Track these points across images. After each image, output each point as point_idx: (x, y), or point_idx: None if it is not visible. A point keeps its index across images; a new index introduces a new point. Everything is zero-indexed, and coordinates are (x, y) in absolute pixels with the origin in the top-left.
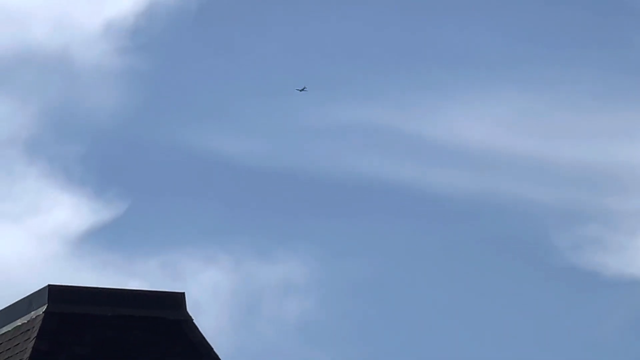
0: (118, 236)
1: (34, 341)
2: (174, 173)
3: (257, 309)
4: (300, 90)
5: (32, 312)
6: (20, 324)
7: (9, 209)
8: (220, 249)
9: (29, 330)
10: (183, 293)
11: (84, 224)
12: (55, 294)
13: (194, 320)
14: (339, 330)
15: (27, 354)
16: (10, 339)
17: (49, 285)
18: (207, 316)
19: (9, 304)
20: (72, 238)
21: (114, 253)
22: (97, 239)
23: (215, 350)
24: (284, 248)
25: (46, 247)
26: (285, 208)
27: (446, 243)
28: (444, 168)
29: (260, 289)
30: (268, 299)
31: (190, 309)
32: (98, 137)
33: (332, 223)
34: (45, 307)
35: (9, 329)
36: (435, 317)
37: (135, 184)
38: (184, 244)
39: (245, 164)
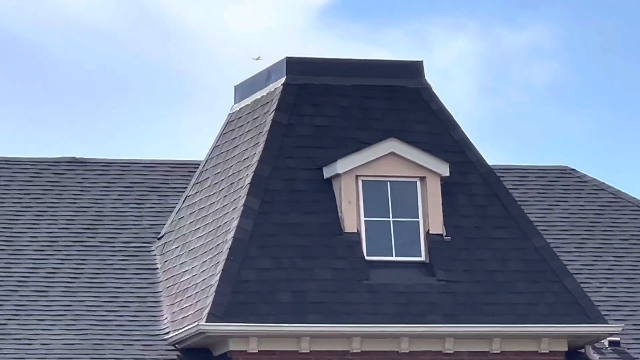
0: (361, 7)
1: (273, 113)
2: None
3: (504, 74)
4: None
5: (271, 85)
6: (259, 96)
7: None
8: (466, 16)
9: (268, 102)
10: (421, 61)
11: None
12: (293, 66)
13: (433, 88)
14: (589, 92)
15: (267, 127)
16: (249, 112)
17: (286, 57)
18: (454, 84)
19: (248, 77)
20: (315, 10)
21: (358, 24)
22: (340, 10)
23: (454, 117)
24: (530, 13)
25: (288, 19)
26: None
27: None
28: None
29: (507, 55)
30: (516, 64)
31: (437, 77)
32: None
33: None
34: (284, 79)
35: (249, 102)
36: None
37: None
38: (430, 12)
39: None
